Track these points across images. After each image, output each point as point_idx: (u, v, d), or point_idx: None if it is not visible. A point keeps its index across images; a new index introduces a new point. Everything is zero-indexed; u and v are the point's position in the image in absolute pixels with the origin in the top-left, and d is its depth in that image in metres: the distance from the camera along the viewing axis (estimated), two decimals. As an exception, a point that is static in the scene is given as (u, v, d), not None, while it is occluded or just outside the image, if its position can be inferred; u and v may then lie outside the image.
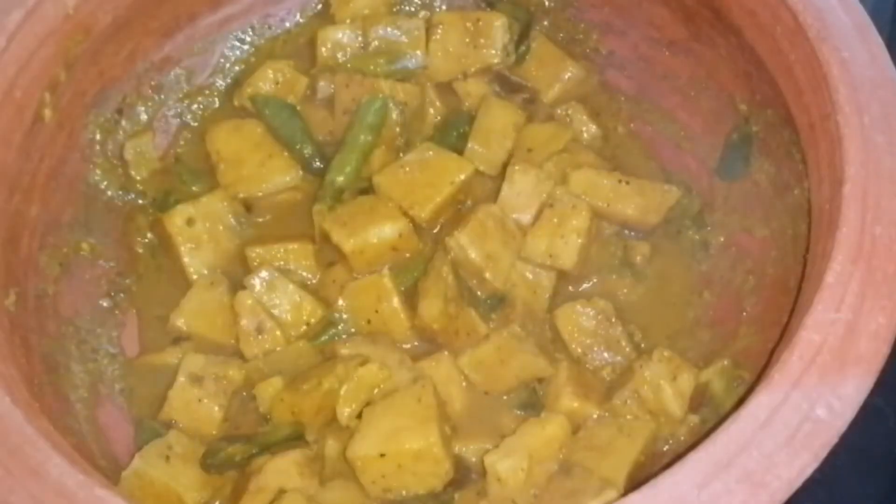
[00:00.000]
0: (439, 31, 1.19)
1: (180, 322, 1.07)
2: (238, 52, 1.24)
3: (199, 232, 1.11)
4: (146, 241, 1.14)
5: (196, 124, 1.21)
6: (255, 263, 1.09)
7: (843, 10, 0.94)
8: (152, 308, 1.11)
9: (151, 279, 1.13)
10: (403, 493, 0.94)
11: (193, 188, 1.16)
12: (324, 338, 1.06)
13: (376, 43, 1.19)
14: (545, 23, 1.23)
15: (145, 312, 1.12)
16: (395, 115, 1.15)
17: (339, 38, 1.20)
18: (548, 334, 1.07)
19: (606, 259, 1.11)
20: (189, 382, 1.00)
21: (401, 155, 1.13)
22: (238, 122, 1.18)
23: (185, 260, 1.10)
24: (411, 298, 1.06)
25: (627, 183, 1.10)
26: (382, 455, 0.92)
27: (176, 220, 1.10)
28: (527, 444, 0.93)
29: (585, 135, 1.17)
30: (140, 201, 1.16)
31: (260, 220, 1.15)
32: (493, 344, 1.03)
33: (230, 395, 1.02)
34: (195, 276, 1.10)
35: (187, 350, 1.05)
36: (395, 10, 1.23)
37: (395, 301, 1.05)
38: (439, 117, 1.18)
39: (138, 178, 1.17)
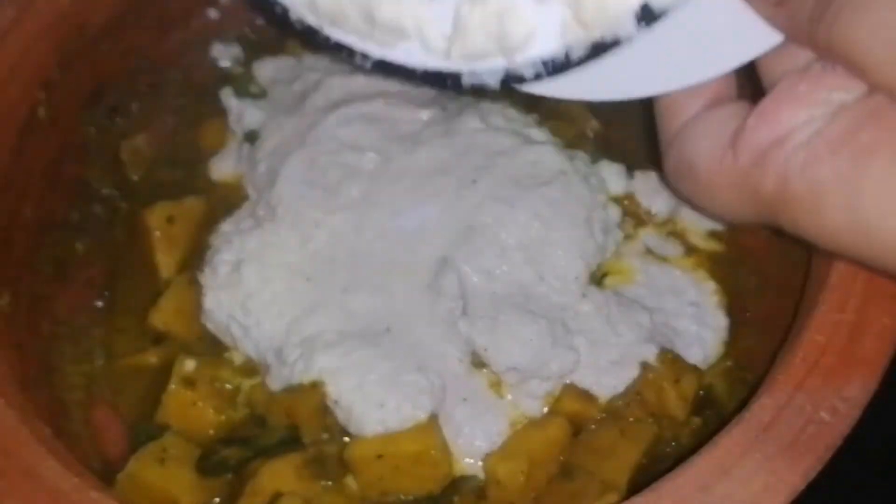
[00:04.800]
0: (439, 30, 1.18)
1: (158, 322, 1.05)
2: (234, 51, 1.23)
3: (176, 232, 1.09)
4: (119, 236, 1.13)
5: (192, 123, 1.20)
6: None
7: (844, 8, 0.93)
8: (127, 307, 1.09)
9: (125, 277, 1.11)
10: (401, 496, 0.93)
11: (178, 177, 1.15)
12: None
13: (376, 42, 1.19)
14: (545, 23, 1.22)
15: (121, 311, 1.09)
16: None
17: (338, 38, 1.19)
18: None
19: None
20: (182, 386, 0.99)
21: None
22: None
23: (159, 256, 1.08)
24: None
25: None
26: (380, 456, 0.92)
27: (157, 215, 1.09)
28: (527, 446, 0.93)
29: (589, 132, 1.16)
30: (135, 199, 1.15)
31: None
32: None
33: (225, 397, 1.01)
34: (165, 275, 1.08)
35: (169, 350, 1.03)
36: (394, 9, 1.23)
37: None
38: (441, 116, 1.18)
39: (135, 178, 1.15)
